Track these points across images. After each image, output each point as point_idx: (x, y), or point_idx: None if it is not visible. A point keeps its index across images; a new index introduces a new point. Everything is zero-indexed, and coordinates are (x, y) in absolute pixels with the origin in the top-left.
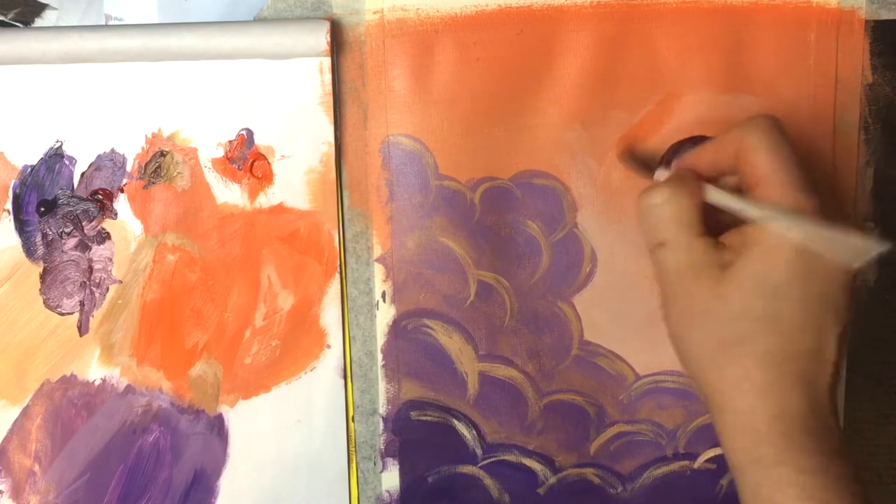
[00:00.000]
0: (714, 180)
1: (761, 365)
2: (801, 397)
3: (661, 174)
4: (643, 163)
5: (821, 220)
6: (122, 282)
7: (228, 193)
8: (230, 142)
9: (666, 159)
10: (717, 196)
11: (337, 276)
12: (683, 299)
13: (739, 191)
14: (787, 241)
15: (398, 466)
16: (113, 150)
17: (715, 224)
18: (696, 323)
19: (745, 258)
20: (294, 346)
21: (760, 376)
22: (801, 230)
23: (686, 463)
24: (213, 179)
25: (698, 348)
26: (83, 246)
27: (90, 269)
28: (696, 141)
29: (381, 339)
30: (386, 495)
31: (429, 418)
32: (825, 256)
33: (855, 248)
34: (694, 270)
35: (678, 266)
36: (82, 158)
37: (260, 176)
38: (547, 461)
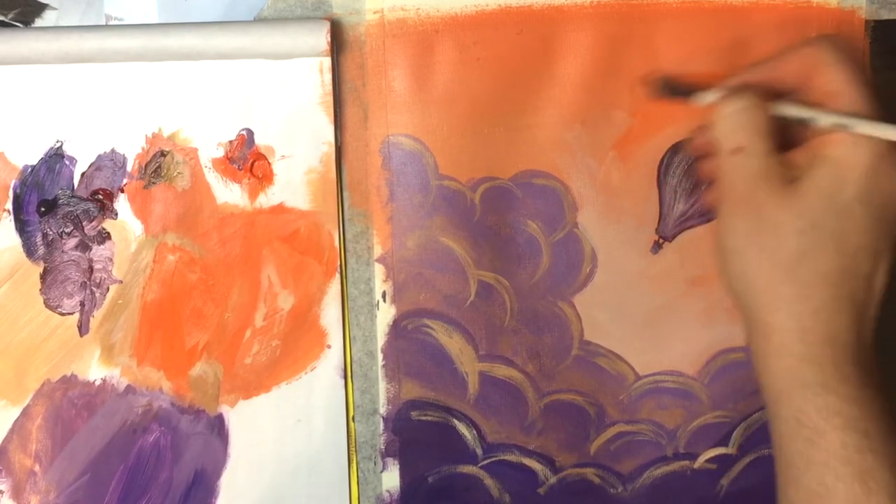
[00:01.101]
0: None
1: (818, 284)
2: (851, 323)
3: (707, 97)
4: (679, 91)
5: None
6: (122, 282)
7: (229, 193)
8: (230, 142)
9: (700, 85)
10: (786, 108)
11: (337, 276)
12: (748, 210)
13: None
14: (858, 158)
15: (398, 466)
16: (113, 150)
17: (778, 143)
18: (757, 237)
19: (814, 174)
20: (294, 346)
21: (816, 295)
22: (879, 130)
23: (686, 463)
24: (214, 179)
25: (754, 265)
26: (83, 246)
27: (90, 270)
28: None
29: (381, 339)
30: (386, 495)
31: (429, 418)
32: (893, 173)
33: None
34: (767, 180)
35: (752, 173)
36: (82, 158)
37: (260, 176)
38: (547, 461)
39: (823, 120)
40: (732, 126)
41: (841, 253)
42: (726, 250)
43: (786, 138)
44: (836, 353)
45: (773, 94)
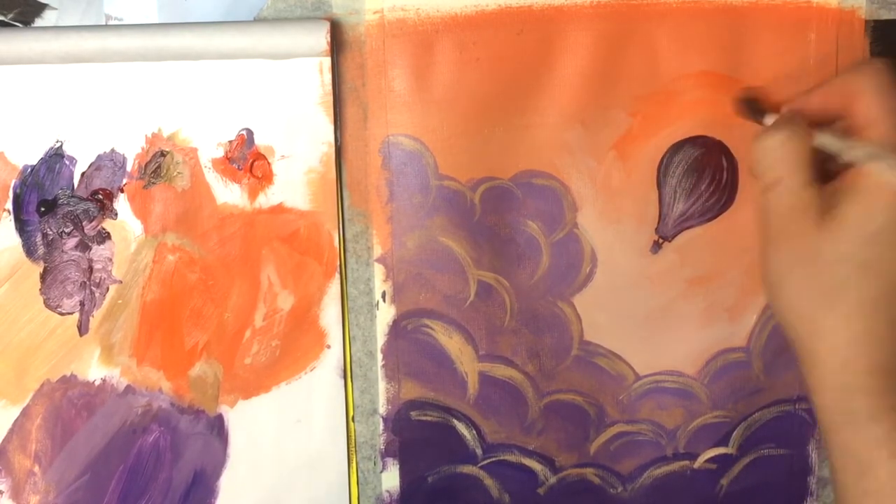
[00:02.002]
0: (820, 126)
1: (859, 312)
2: (895, 352)
3: (769, 120)
4: (757, 111)
5: None
6: (122, 282)
7: (228, 193)
8: (230, 142)
9: (774, 107)
10: (825, 139)
11: (337, 276)
12: (788, 242)
13: (846, 135)
14: (889, 184)
15: (398, 466)
16: (113, 150)
17: (819, 173)
18: (797, 267)
19: (848, 202)
20: (294, 346)
21: (858, 324)
22: None
23: (686, 463)
24: (213, 179)
25: (797, 295)
26: (83, 246)
27: (90, 269)
28: (695, 142)
29: (381, 339)
30: (386, 495)
31: (429, 418)
32: None
33: None
34: (804, 212)
35: (790, 206)
36: (82, 158)
37: (260, 176)
38: (547, 461)
39: (856, 151)
40: (770, 159)
41: (880, 281)
42: (770, 281)
43: (829, 166)
44: (881, 382)
45: (821, 121)
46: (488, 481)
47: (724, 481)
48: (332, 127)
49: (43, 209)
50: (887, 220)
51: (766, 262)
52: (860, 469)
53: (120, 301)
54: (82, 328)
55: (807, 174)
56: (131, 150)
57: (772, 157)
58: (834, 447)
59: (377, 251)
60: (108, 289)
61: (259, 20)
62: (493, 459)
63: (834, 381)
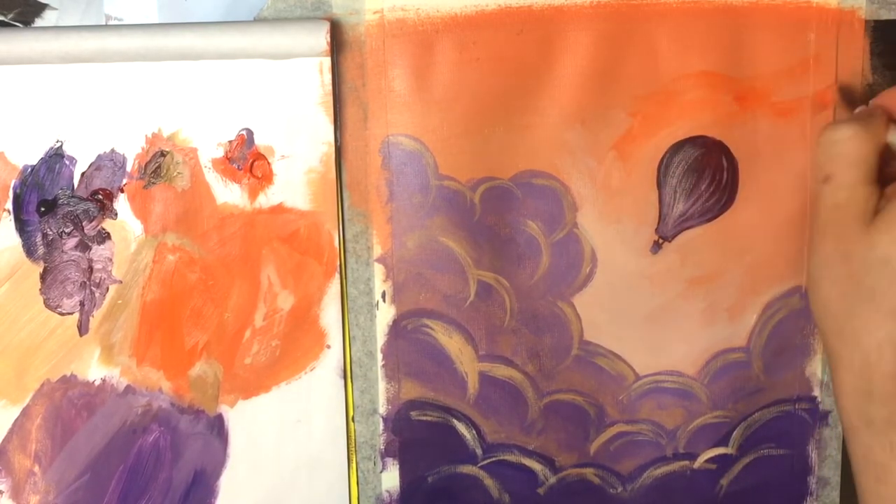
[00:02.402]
0: None
1: (884, 319)
2: None
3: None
4: (850, 101)
5: None
6: (122, 282)
7: (228, 193)
8: (230, 142)
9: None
10: (893, 136)
11: (337, 276)
12: (833, 237)
13: None
14: None
15: (398, 466)
16: (113, 150)
17: (887, 177)
18: (836, 265)
19: (892, 208)
20: (294, 346)
21: (881, 331)
22: None
23: (686, 463)
24: (213, 179)
25: (830, 292)
26: (83, 246)
27: (90, 269)
28: (695, 142)
29: (381, 339)
30: (386, 495)
31: (429, 418)
32: None
33: None
34: (849, 211)
35: (836, 203)
36: (82, 158)
37: (260, 176)
38: (547, 461)
39: None
40: (826, 155)
41: None
42: (811, 274)
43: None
44: None
45: None
46: (488, 481)
47: (724, 481)
48: (332, 127)
49: (43, 209)
50: None
51: (810, 255)
52: (878, 474)
53: (120, 301)
54: (82, 328)
55: (863, 172)
56: (131, 150)
57: (827, 153)
58: (854, 450)
59: (377, 251)
60: (108, 289)
61: (259, 20)
62: (493, 459)
63: (855, 384)
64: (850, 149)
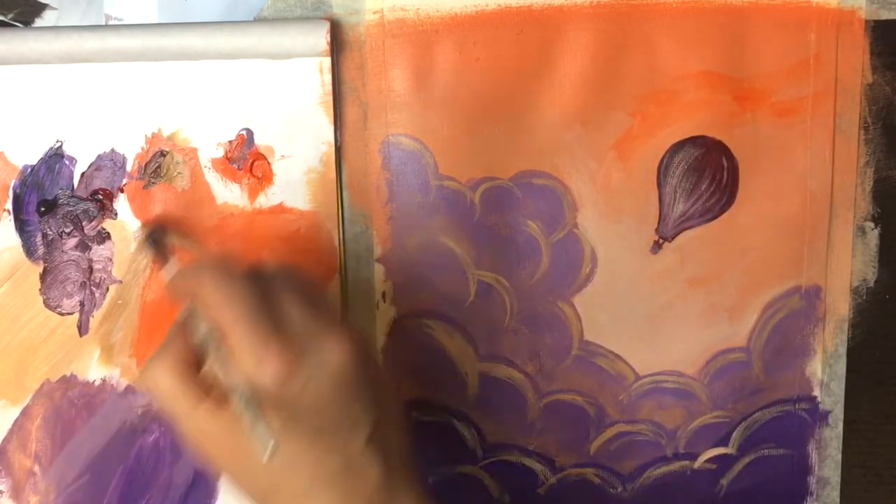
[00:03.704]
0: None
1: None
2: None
3: (173, 266)
4: (161, 248)
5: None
6: (122, 282)
7: (228, 193)
8: (230, 142)
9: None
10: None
11: (337, 276)
12: (218, 460)
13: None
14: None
15: None
16: (113, 150)
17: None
18: (236, 475)
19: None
20: None
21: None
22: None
23: (686, 463)
24: (213, 179)
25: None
26: (83, 246)
27: (90, 269)
28: (696, 142)
29: (381, 339)
30: None
31: (429, 418)
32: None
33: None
34: (210, 437)
35: (195, 435)
36: (82, 158)
37: (260, 176)
38: (547, 461)
39: (222, 370)
40: (159, 403)
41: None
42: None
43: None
44: None
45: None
46: (488, 481)
47: (724, 481)
48: (331, 127)
49: (43, 209)
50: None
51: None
52: None
53: (120, 301)
54: (82, 328)
55: (194, 396)
56: (131, 150)
57: (154, 393)
58: None
59: (377, 251)
60: (107, 289)
61: (259, 20)
62: (493, 459)
63: None
64: (164, 392)
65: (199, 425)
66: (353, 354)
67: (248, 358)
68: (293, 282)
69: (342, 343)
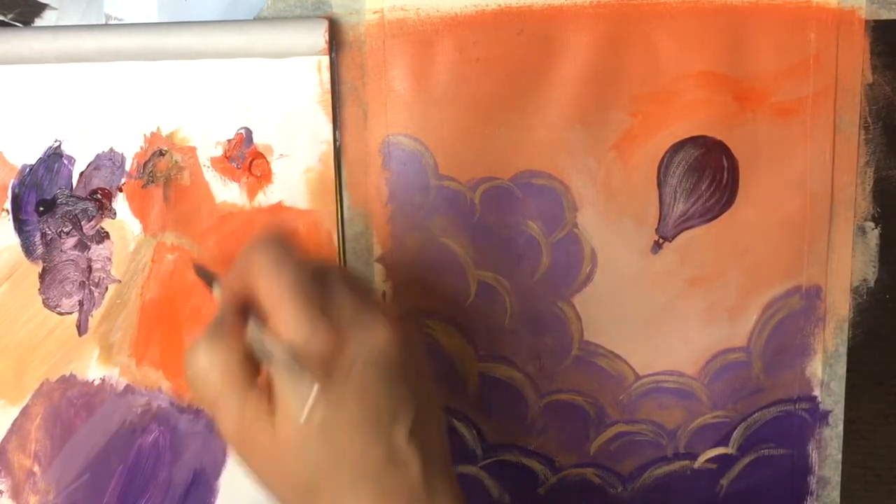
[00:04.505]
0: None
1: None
2: None
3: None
4: (208, 277)
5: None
6: (121, 281)
7: (227, 192)
8: (229, 141)
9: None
10: (254, 333)
11: None
12: (255, 456)
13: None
14: (293, 391)
15: None
16: (112, 150)
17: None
18: (273, 476)
19: (279, 399)
20: None
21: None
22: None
23: (686, 463)
24: (212, 178)
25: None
26: (82, 245)
27: (89, 269)
28: (696, 142)
29: None
30: None
31: None
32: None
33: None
34: (252, 427)
35: (235, 427)
36: (81, 158)
37: (259, 175)
38: (547, 461)
39: (264, 347)
40: (201, 386)
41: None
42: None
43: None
44: None
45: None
46: (488, 481)
47: (724, 481)
48: (330, 126)
49: (42, 209)
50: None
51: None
52: None
53: (119, 301)
54: (81, 328)
55: (242, 386)
56: (130, 150)
57: (201, 383)
58: None
59: (377, 251)
60: (107, 288)
61: (258, 19)
62: (493, 459)
63: None
64: (216, 370)
65: (243, 417)
66: (400, 342)
67: (296, 335)
68: (343, 270)
69: (389, 330)
